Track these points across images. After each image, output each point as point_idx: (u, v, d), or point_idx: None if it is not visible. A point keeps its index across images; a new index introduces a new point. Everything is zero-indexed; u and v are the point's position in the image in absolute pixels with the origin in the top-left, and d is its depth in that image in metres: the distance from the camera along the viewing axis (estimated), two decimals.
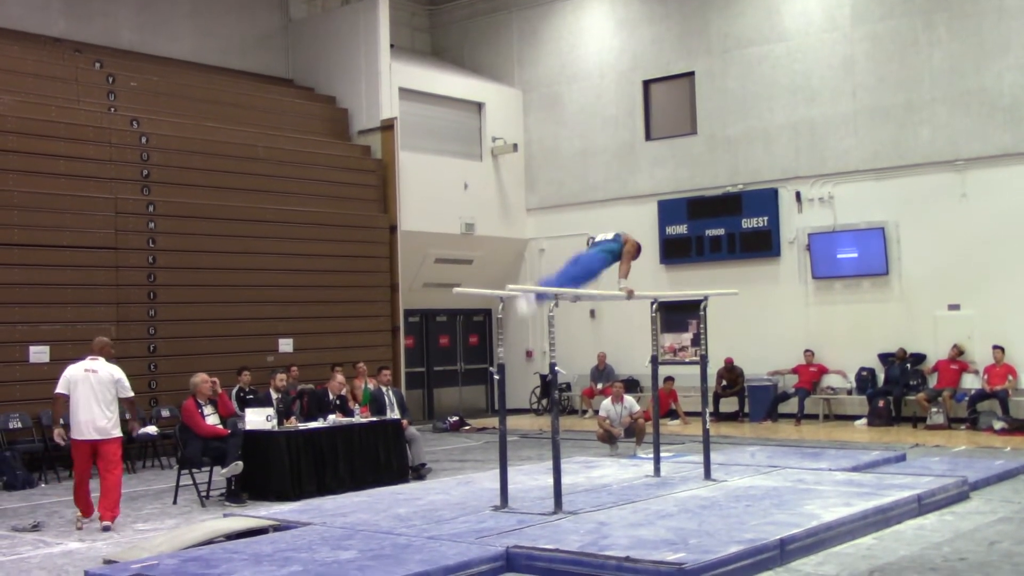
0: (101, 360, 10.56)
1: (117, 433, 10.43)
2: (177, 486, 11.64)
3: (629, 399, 14.93)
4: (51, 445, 13.69)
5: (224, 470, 11.31)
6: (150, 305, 15.72)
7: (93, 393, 10.26)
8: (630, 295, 9.85)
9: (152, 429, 13.91)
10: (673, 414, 18.54)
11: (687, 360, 18.74)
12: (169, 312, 15.85)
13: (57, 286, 14.74)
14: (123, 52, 18.00)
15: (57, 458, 13.90)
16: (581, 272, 9.81)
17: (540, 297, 9.35)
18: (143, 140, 16.15)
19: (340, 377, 13.97)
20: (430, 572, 7.05)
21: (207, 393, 11.89)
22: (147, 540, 9.02)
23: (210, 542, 8.61)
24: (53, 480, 13.46)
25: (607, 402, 14.91)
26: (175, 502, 11.43)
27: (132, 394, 10.72)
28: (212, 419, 11.75)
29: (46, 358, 14.44)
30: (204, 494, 11.43)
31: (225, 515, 10.03)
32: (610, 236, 10.04)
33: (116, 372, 10.53)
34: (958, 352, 17.23)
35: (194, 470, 11.55)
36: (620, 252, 9.85)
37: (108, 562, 8.19)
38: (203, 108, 17.74)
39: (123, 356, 14.91)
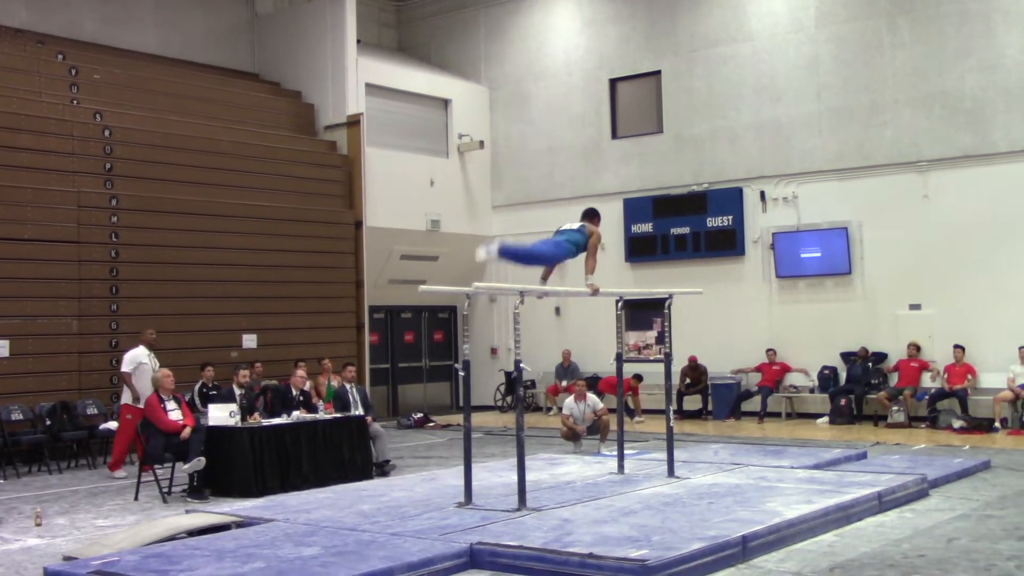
0: (140, 347, 13.81)
1: (122, 401, 13.53)
2: (139, 482, 11.55)
3: (592, 397, 14.97)
4: (10, 441, 13.63)
5: (186, 466, 11.24)
6: (112, 300, 15.57)
7: None
8: (595, 292, 9.85)
9: (113, 424, 13.88)
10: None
11: (651, 358, 18.84)
12: (131, 307, 15.70)
13: (18, 280, 14.55)
14: (86, 44, 17.82)
15: (16, 453, 13.76)
16: (546, 253, 9.62)
17: (503, 252, 9.07)
18: (106, 133, 16.00)
19: (301, 372, 13.86)
20: (393, 569, 7.03)
21: (169, 388, 11.81)
22: (108, 536, 8.94)
23: (172, 538, 8.54)
24: (12, 476, 13.30)
25: (570, 400, 14.94)
26: (136, 498, 11.32)
27: (123, 369, 13.53)
28: (175, 414, 11.67)
29: (6, 352, 14.30)
30: (166, 490, 11.33)
31: (187, 511, 9.95)
32: (575, 226, 9.73)
33: (128, 353, 13.73)
34: (915, 349, 17.43)
35: (156, 466, 11.45)
36: (585, 244, 9.68)
37: (68, 559, 8.11)
38: (167, 101, 17.59)
39: (85, 351, 14.90)
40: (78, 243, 15.26)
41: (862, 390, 17.69)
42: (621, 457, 11.14)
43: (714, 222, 19.73)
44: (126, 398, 13.39)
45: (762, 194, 19.33)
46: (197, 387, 14.65)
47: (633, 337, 19.56)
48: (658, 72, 20.73)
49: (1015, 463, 12.44)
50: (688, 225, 19.97)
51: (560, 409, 16.78)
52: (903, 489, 9.94)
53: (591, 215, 9.94)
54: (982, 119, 17.32)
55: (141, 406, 12.71)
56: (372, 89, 20.42)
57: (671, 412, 11.10)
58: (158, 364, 13.55)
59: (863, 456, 12.82)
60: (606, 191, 20.90)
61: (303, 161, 18.85)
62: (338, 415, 12.86)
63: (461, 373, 9.53)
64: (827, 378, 18.41)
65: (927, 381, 17.35)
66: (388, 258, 20.61)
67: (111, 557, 7.64)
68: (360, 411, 13.24)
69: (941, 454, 13.37)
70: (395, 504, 9.53)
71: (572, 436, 14.59)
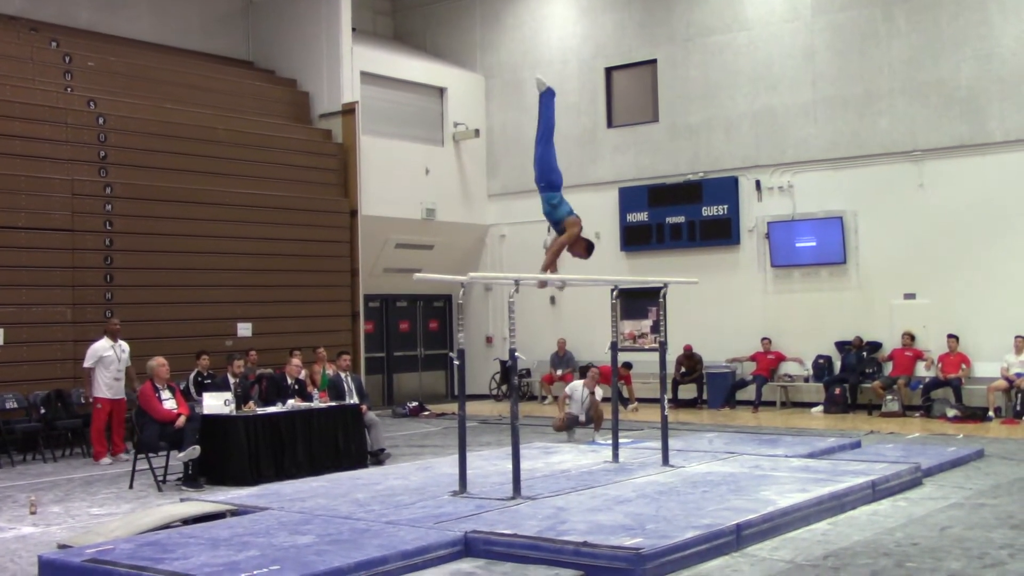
0: (103, 339, 13.77)
1: (94, 394, 13.58)
2: (133, 470, 11.53)
3: (599, 389, 14.85)
4: (4, 429, 13.62)
5: (181, 454, 11.23)
6: (107, 288, 15.55)
7: None
8: (542, 286, 9.90)
9: None
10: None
11: (646, 347, 18.86)
12: (126, 295, 15.69)
13: (12, 268, 14.53)
14: (80, 31, 17.76)
15: (11, 442, 13.74)
16: (548, 155, 10.24)
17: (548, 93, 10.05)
18: (100, 121, 15.95)
19: (296, 360, 13.86)
20: (388, 557, 7.04)
21: (164, 377, 11.80)
22: (102, 525, 8.94)
23: (166, 527, 8.54)
24: (6, 464, 13.29)
25: (577, 383, 14.90)
26: (131, 487, 11.32)
27: (84, 365, 13.62)
28: (169, 403, 11.67)
29: (0, 341, 14.27)
30: (161, 479, 11.34)
31: (182, 500, 9.96)
32: (567, 207, 9.85)
33: (91, 347, 13.64)
34: (909, 338, 17.46)
35: (151, 454, 11.45)
36: (555, 222, 9.64)
37: (62, 547, 8.11)
38: (162, 89, 17.54)
39: (79, 339, 14.88)
40: (72, 231, 15.23)
41: (856, 379, 17.72)
42: (616, 446, 11.15)
43: (709, 211, 19.73)
44: (97, 391, 13.56)
45: (757, 183, 19.33)
46: (192, 375, 14.65)
47: (628, 326, 19.59)
48: (654, 61, 20.70)
49: (1008, 452, 12.49)
50: (683, 214, 19.96)
51: (555, 397, 16.78)
52: (897, 478, 9.96)
53: (586, 244, 9.67)
54: (977, 108, 17.32)
55: (98, 395, 13.49)
56: (367, 77, 20.37)
57: (666, 401, 11.13)
58: (126, 350, 13.79)
59: (857, 445, 12.85)
60: (601, 180, 20.89)
61: (298, 149, 18.81)
62: (333, 404, 12.86)
63: (456, 362, 9.54)
64: (822, 367, 18.44)
65: (921, 370, 17.39)
66: (383, 247, 20.60)
67: (106, 545, 7.64)
68: (355, 400, 13.24)
69: (935, 443, 13.40)
70: (390, 492, 9.54)
71: (565, 427, 14.59)
